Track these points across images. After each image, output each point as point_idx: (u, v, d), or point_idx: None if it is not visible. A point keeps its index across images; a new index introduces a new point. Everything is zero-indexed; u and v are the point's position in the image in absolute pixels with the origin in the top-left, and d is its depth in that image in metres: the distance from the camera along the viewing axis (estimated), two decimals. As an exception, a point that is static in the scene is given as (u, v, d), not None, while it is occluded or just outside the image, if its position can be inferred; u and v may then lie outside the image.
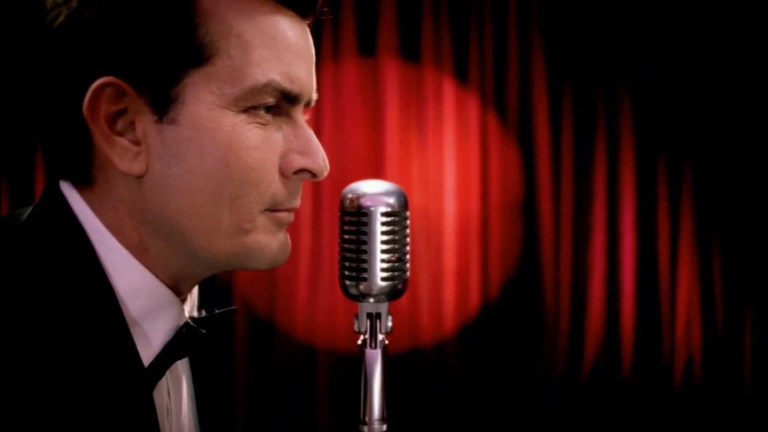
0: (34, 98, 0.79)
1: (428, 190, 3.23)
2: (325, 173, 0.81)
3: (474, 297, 3.27)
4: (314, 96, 0.84)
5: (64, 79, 0.76)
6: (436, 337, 3.23)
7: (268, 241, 0.81)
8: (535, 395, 3.26)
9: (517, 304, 3.28)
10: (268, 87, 0.77)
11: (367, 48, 3.19)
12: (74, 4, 0.75)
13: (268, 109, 0.78)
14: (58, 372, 0.72)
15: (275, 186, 0.80)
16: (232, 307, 0.87)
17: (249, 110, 0.77)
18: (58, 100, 0.77)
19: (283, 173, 0.80)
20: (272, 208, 0.81)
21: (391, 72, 3.20)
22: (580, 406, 3.28)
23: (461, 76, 3.25)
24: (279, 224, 0.82)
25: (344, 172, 3.13)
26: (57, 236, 0.78)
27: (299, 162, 0.80)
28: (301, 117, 0.81)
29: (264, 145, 0.78)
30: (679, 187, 3.31)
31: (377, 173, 3.16)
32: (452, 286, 3.24)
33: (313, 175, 0.81)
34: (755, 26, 3.19)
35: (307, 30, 0.83)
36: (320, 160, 0.81)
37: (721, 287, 3.31)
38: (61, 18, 0.75)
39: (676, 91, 3.25)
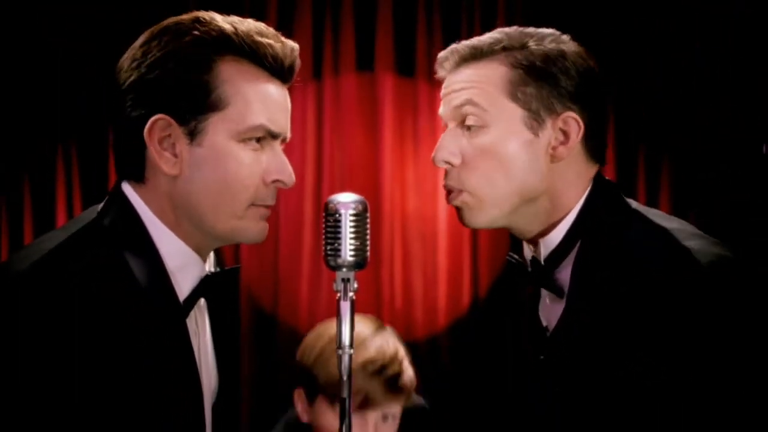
0: (113, 128, 1.18)
1: (422, 194, 3.39)
2: (292, 183, 1.19)
3: (465, 294, 3.43)
4: (288, 135, 1.23)
5: (133, 115, 1.15)
6: (429, 331, 3.40)
7: (252, 226, 1.21)
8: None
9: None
10: (259, 127, 1.16)
11: (365, 63, 3.38)
12: (143, 70, 1.14)
13: (258, 140, 1.17)
14: (125, 302, 1.09)
15: (259, 189, 1.19)
16: (236, 266, 1.26)
17: (245, 140, 1.16)
18: (128, 128, 1.16)
19: (263, 181, 1.19)
20: (256, 204, 1.19)
21: (388, 85, 3.38)
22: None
23: (452, 89, 3.39)
24: (260, 216, 1.21)
25: (344, 178, 3.32)
26: (121, 218, 1.17)
27: (274, 175, 1.19)
28: (279, 146, 1.21)
29: (253, 163, 1.17)
30: (657, 184, 3.41)
31: (375, 179, 3.35)
32: (445, 284, 3.41)
33: (284, 183, 1.20)
34: (734, 24, 3.25)
35: (287, 91, 1.22)
36: (288, 174, 1.19)
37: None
38: (133, 77, 1.14)
39: (656, 91, 3.33)
